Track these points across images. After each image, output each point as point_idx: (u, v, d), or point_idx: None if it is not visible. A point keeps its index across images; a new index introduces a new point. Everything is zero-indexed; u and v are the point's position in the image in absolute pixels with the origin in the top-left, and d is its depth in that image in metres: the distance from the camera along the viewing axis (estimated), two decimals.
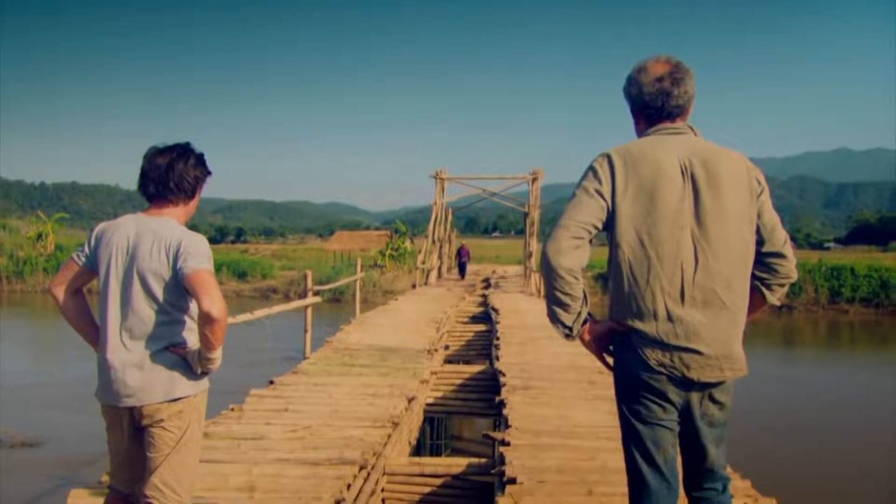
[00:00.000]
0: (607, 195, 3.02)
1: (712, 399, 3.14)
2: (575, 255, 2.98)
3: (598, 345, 3.21)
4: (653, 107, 3.19)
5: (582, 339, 3.18)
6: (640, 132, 3.28)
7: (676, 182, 3.02)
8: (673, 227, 3.00)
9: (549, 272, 3.01)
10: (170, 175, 3.57)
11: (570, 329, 3.11)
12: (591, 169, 3.08)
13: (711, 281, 3.03)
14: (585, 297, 3.08)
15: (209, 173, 3.77)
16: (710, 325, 3.03)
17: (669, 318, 3.01)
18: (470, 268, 47.76)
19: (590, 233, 3.02)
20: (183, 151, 3.64)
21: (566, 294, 3.02)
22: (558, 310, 3.07)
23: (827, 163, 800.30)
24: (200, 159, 3.71)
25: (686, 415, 3.14)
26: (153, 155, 3.62)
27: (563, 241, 2.98)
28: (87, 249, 3.63)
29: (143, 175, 3.61)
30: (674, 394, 3.07)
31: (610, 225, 3.06)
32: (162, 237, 3.46)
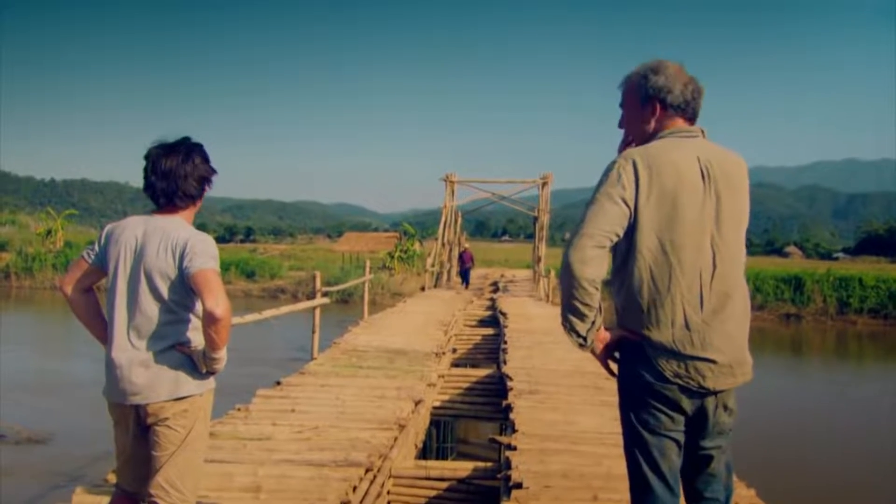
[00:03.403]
0: (631, 202, 2.99)
1: (724, 406, 3.14)
2: (598, 264, 2.96)
3: (605, 352, 3.20)
4: (692, 105, 3.18)
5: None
6: (651, 129, 3.23)
7: (698, 188, 3.02)
8: (695, 232, 3.00)
9: (570, 281, 2.98)
10: (178, 185, 3.56)
11: (585, 339, 3.09)
12: (615, 173, 3.03)
13: (725, 285, 3.05)
14: (600, 306, 3.06)
15: (214, 171, 3.75)
16: (724, 331, 3.04)
17: (687, 325, 3.00)
18: (479, 271, 47.29)
19: (611, 241, 2.99)
20: (186, 155, 3.61)
21: (585, 304, 3.00)
22: (575, 319, 3.06)
23: (836, 173, 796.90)
24: (203, 157, 3.69)
25: (697, 422, 3.14)
26: (155, 158, 3.59)
27: (588, 251, 2.94)
28: (96, 248, 3.66)
29: (150, 185, 3.60)
30: (686, 403, 3.07)
31: (628, 232, 3.03)
32: (169, 237, 3.48)
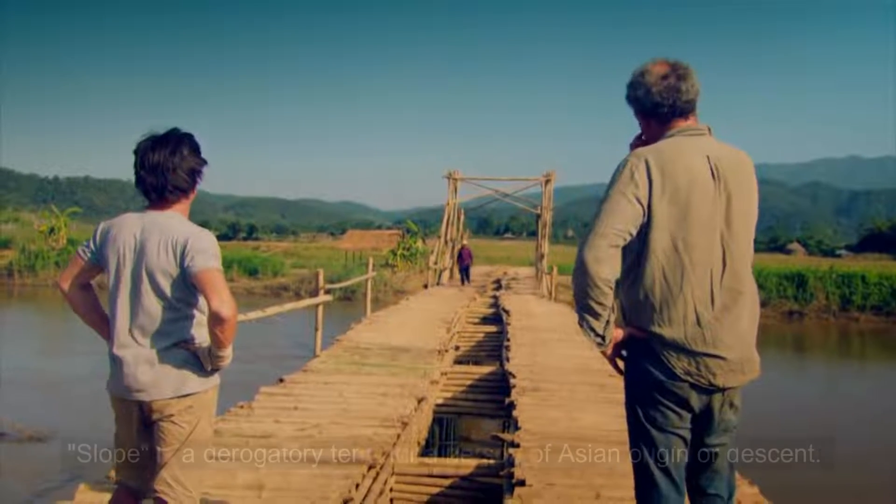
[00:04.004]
0: (644, 200, 3.00)
1: (731, 404, 3.16)
2: (613, 264, 2.97)
3: (614, 350, 3.21)
4: (665, 105, 3.17)
5: None
6: (653, 134, 3.25)
7: (709, 186, 3.04)
8: (706, 230, 3.02)
9: (585, 280, 2.98)
10: (167, 179, 3.50)
11: (603, 338, 3.09)
12: (628, 172, 3.04)
13: (736, 283, 3.07)
14: (613, 304, 3.06)
15: (204, 162, 3.67)
16: (734, 328, 3.06)
17: (698, 322, 3.02)
18: (482, 269, 47.12)
19: (625, 240, 3.00)
20: (174, 148, 3.54)
21: (600, 304, 3.00)
22: (591, 319, 3.06)
23: (839, 170, 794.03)
24: (192, 148, 3.61)
25: (703, 420, 3.15)
26: (143, 152, 3.53)
27: (603, 251, 2.95)
28: (92, 246, 3.63)
29: (140, 180, 3.54)
30: (695, 400, 3.08)
31: (642, 231, 3.04)
32: (168, 235, 3.45)
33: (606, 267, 2.95)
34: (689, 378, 3.03)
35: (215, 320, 3.34)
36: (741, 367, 3.08)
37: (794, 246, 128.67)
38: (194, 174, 3.62)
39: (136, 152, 3.56)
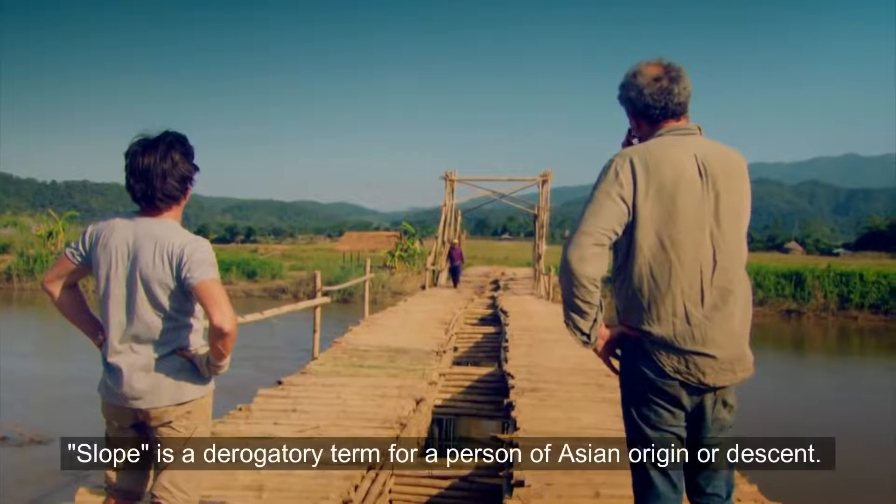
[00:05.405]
0: (629, 199, 3.00)
1: (724, 403, 3.15)
2: (597, 262, 2.97)
3: (606, 349, 3.21)
4: (657, 107, 3.17)
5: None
6: (644, 135, 3.26)
7: (696, 184, 3.03)
8: (693, 228, 3.01)
9: (570, 280, 3.00)
10: (155, 186, 3.39)
11: (588, 336, 3.10)
12: (613, 171, 3.05)
13: (727, 281, 3.06)
14: (601, 303, 3.07)
15: (196, 169, 3.55)
16: (725, 327, 3.06)
17: (688, 320, 3.01)
18: (479, 269, 46.97)
19: (610, 239, 3.00)
20: (164, 152, 3.40)
21: (586, 302, 3.01)
22: (577, 317, 3.06)
23: (836, 168, 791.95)
24: (184, 153, 3.48)
25: (697, 419, 3.15)
26: (132, 156, 3.41)
27: (587, 249, 2.96)
28: (81, 249, 3.54)
29: (129, 186, 3.43)
30: (686, 399, 3.08)
31: (628, 229, 3.04)
32: (163, 244, 3.37)
33: (590, 266, 2.96)
34: (678, 376, 3.04)
35: (217, 335, 3.29)
36: (732, 366, 3.08)
37: (792, 245, 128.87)
38: (185, 181, 3.50)
39: (126, 156, 3.45)
